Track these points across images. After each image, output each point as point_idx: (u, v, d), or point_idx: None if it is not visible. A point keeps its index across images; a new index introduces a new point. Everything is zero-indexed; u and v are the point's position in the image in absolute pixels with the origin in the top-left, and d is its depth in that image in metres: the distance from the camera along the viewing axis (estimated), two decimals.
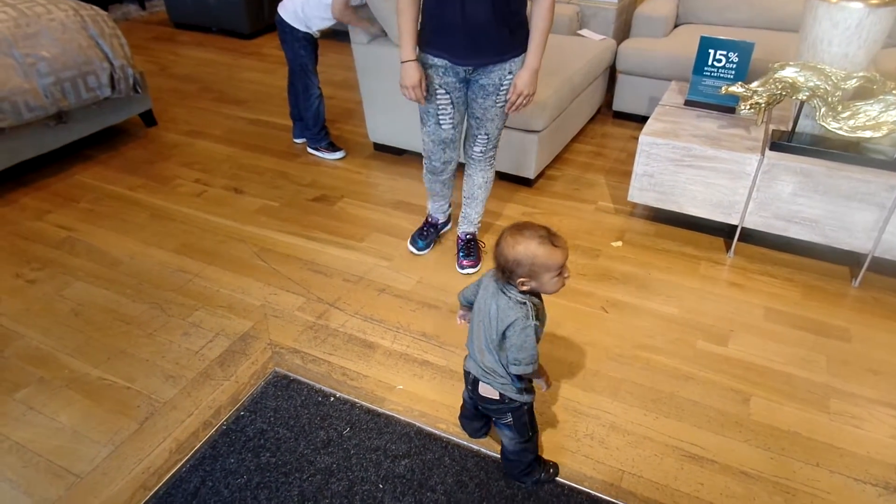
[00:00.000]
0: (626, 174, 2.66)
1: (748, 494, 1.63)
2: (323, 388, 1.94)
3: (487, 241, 2.61)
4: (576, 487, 1.64)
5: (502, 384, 1.46)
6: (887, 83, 2.10)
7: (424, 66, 2.02)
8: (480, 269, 2.46)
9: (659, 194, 2.57)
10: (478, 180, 2.35)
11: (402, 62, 1.98)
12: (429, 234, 2.56)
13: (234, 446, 1.74)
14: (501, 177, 3.09)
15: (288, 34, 3.02)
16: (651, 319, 2.22)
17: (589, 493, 1.63)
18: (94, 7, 3.20)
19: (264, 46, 5.22)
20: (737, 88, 2.31)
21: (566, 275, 1.36)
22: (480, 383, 1.51)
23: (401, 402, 1.90)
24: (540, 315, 1.39)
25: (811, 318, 2.23)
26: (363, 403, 1.88)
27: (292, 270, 2.47)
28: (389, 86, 3.02)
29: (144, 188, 3.05)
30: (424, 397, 1.91)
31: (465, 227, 2.49)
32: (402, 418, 1.83)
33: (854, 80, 2.12)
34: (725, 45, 2.56)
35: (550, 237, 1.32)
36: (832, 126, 2.20)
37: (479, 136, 2.21)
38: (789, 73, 2.19)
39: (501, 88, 2.04)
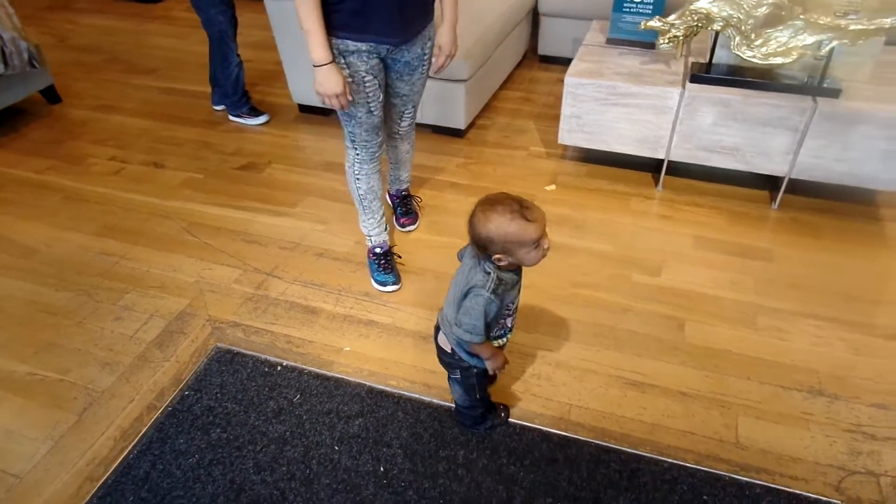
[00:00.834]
0: (556, 118, 2.67)
1: (687, 412, 1.73)
2: (269, 358, 1.91)
3: (423, 196, 2.59)
4: (527, 426, 1.69)
5: (456, 341, 1.47)
6: (794, 9, 2.16)
7: (344, 55, 1.69)
8: (419, 225, 2.45)
9: (587, 135, 2.60)
10: (405, 147, 2.23)
11: (317, 66, 1.64)
12: (389, 263, 2.18)
13: (182, 426, 1.70)
14: (433, 129, 3.05)
15: (196, 3, 2.81)
16: (587, 258, 2.28)
17: (540, 429, 1.69)
18: None
19: (172, 9, 4.90)
20: (655, 23, 2.34)
21: (546, 246, 1.29)
22: (440, 333, 1.51)
23: (349, 363, 1.89)
24: (502, 290, 1.33)
25: (737, 243, 2.34)
26: (311, 369, 1.87)
27: (225, 243, 2.39)
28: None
29: (54, 170, 2.86)
30: (373, 356, 1.91)
31: (396, 185, 2.41)
32: (352, 379, 1.83)
33: (764, 8, 2.17)
34: None
35: (522, 211, 1.24)
36: (746, 54, 2.26)
37: (407, 112, 2.04)
38: (704, 4, 2.22)
39: (424, 58, 1.88)
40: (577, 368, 1.86)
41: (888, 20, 2.06)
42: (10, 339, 1.99)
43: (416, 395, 1.78)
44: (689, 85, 2.37)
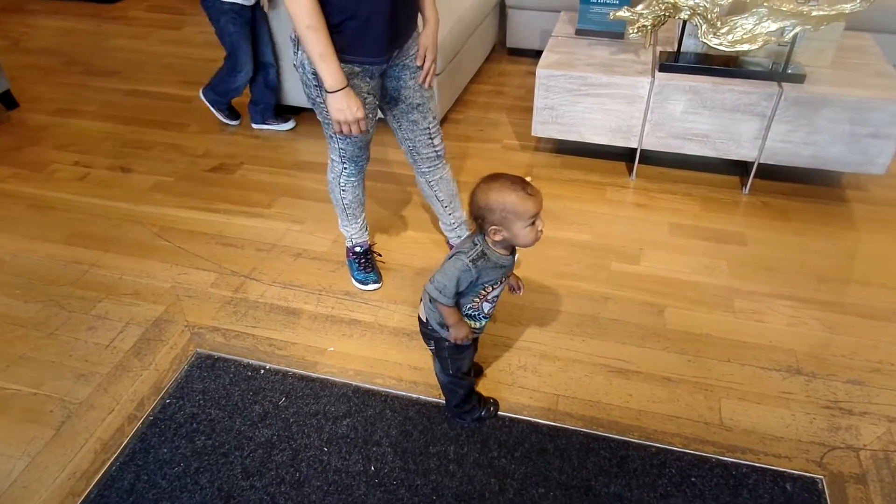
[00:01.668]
0: (528, 110, 2.68)
1: (672, 397, 1.75)
2: (251, 362, 1.87)
3: (397, 191, 2.57)
4: (516, 418, 1.70)
5: (430, 309, 1.47)
6: None
7: (349, 77, 1.57)
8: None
9: (561, 126, 2.61)
10: (448, 176, 2.01)
11: (332, 92, 1.53)
12: (369, 261, 2.15)
13: (166, 435, 1.67)
14: None
15: (210, 5, 2.59)
16: (566, 248, 2.29)
17: (529, 420, 1.69)
18: None
19: (129, 9, 4.77)
20: (624, 13, 2.36)
21: (540, 227, 1.33)
22: (421, 303, 1.52)
23: (334, 363, 1.87)
24: (482, 264, 1.34)
25: (711, 228, 2.38)
26: (295, 371, 1.84)
27: (199, 246, 2.34)
28: (275, 39, 2.86)
29: (15, 178, 2.76)
30: (357, 355, 1.90)
31: (457, 230, 2.15)
32: (338, 379, 1.82)
33: None
34: None
35: (523, 185, 1.30)
36: (713, 42, 2.29)
37: (432, 125, 1.86)
38: None
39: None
40: (563, 358, 1.87)
41: (848, 6, 2.11)
42: None
43: (404, 393, 1.77)
44: (658, 74, 2.40)
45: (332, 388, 1.79)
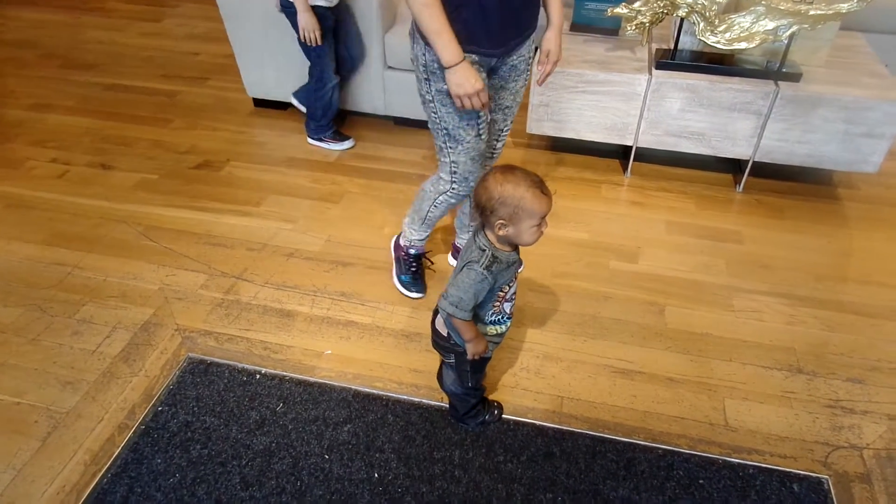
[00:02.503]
0: (523, 106, 2.64)
1: (676, 397, 1.74)
2: (245, 366, 1.82)
3: (392, 189, 2.52)
4: (521, 421, 1.67)
5: (450, 325, 1.43)
6: None
7: None
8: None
9: (556, 123, 2.58)
10: None
11: (450, 67, 1.48)
12: (420, 267, 2.07)
13: (159, 445, 1.60)
14: (403, 122, 2.98)
15: (289, 11, 2.42)
16: (565, 247, 2.27)
17: (533, 423, 1.66)
18: None
19: (108, 0, 4.63)
20: (621, 10, 2.33)
21: (544, 228, 1.30)
22: (438, 316, 1.47)
23: (332, 367, 1.82)
24: (496, 268, 1.30)
25: (707, 226, 2.37)
26: (292, 375, 1.79)
27: (187, 246, 2.26)
28: (263, 33, 2.78)
29: None
30: (355, 358, 1.85)
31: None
32: (336, 384, 1.77)
33: None
34: None
35: (540, 183, 1.26)
36: (710, 40, 2.28)
37: (506, 128, 1.83)
38: None
39: (529, 60, 1.71)
40: (565, 359, 1.84)
41: (845, 5, 2.12)
42: None
43: (405, 397, 1.73)
44: (655, 71, 2.38)
45: (331, 392, 1.74)
